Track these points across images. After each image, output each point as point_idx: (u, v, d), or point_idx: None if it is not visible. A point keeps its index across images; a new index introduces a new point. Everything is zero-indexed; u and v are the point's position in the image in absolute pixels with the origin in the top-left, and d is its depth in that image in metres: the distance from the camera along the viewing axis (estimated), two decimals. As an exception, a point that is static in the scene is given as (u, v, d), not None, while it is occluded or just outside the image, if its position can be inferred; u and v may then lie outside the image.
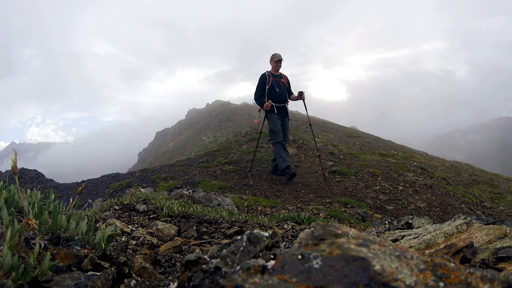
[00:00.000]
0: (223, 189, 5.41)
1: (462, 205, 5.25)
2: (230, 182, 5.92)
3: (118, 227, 1.58)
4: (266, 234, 0.85)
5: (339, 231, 0.70)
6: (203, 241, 1.57)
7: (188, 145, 21.54)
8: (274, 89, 5.95)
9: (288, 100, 6.25)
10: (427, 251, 1.30)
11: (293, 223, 2.32)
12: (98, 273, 0.89)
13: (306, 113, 6.56)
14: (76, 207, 1.58)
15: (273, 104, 5.91)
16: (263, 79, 5.97)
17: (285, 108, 6.12)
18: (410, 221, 2.28)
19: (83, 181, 8.03)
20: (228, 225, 1.91)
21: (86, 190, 6.88)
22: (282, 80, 6.10)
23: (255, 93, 6.06)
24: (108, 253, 1.08)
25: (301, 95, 6.09)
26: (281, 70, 6.18)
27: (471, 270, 0.58)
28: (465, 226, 1.49)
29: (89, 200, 2.31)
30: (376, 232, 2.05)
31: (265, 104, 5.81)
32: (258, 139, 7.17)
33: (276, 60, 5.97)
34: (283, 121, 6.07)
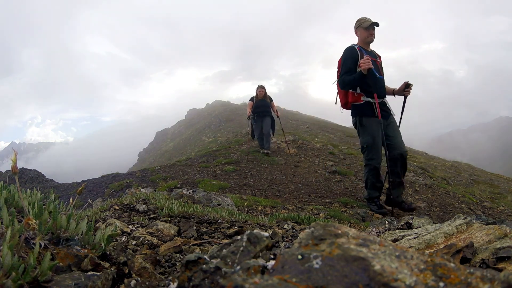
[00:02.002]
0: (223, 189, 5.41)
1: (462, 205, 5.25)
2: (230, 182, 5.92)
3: (118, 227, 1.58)
4: (266, 234, 0.85)
5: (339, 231, 0.70)
6: (203, 241, 1.57)
7: (188, 145, 21.55)
8: (372, 73, 3.61)
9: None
10: (427, 251, 1.30)
11: (293, 223, 2.32)
12: (98, 273, 0.89)
13: (399, 112, 4.15)
14: (76, 207, 1.58)
15: (369, 99, 3.73)
16: (352, 53, 3.70)
17: (385, 104, 3.94)
18: (410, 221, 2.28)
19: (83, 181, 8.04)
20: (228, 225, 1.91)
21: (86, 190, 6.88)
22: (378, 60, 3.89)
23: (340, 75, 3.77)
24: (108, 253, 1.08)
25: (407, 88, 3.88)
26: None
27: (471, 270, 0.58)
28: (465, 226, 1.49)
29: (89, 200, 2.31)
30: (376, 232, 2.05)
31: (362, 61, 3.48)
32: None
33: (367, 26, 3.66)
34: (387, 124, 3.86)
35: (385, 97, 3.97)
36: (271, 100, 8.46)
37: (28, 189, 1.44)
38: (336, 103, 4.15)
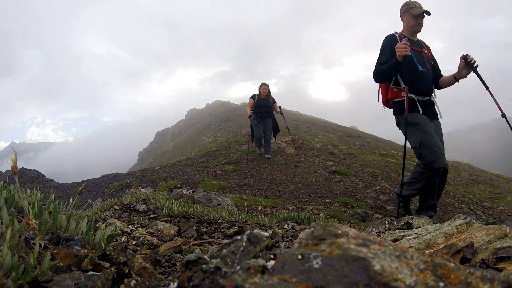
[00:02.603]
0: (223, 189, 5.42)
1: (462, 205, 5.25)
2: (230, 182, 5.92)
3: (118, 227, 1.58)
4: (266, 234, 0.85)
5: (339, 231, 0.70)
6: (203, 241, 1.57)
7: (188, 145, 21.55)
8: (413, 65, 3.10)
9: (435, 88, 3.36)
10: (427, 251, 1.30)
11: (293, 223, 2.32)
12: (98, 273, 0.89)
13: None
14: (76, 207, 1.58)
15: (411, 95, 3.14)
16: (392, 42, 3.16)
17: (432, 104, 3.32)
18: (410, 221, 2.28)
19: (83, 181, 8.04)
20: (228, 225, 1.91)
21: (86, 190, 6.89)
22: (425, 52, 3.32)
23: (376, 65, 3.23)
24: (108, 253, 1.08)
25: (466, 60, 3.12)
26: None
27: (471, 270, 0.58)
28: (465, 226, 1.49)
29: (89, 200, 2.31)
30: (376, 232, 2.05)
31: (398, 45, 2.96)
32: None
33: (417, 14, 3.16)
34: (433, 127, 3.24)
35: (432, 94, 3.31)
36: (274, 101, 7.76)
37: (28, 189, 1.44)
38: (378, 101, 3.52)
